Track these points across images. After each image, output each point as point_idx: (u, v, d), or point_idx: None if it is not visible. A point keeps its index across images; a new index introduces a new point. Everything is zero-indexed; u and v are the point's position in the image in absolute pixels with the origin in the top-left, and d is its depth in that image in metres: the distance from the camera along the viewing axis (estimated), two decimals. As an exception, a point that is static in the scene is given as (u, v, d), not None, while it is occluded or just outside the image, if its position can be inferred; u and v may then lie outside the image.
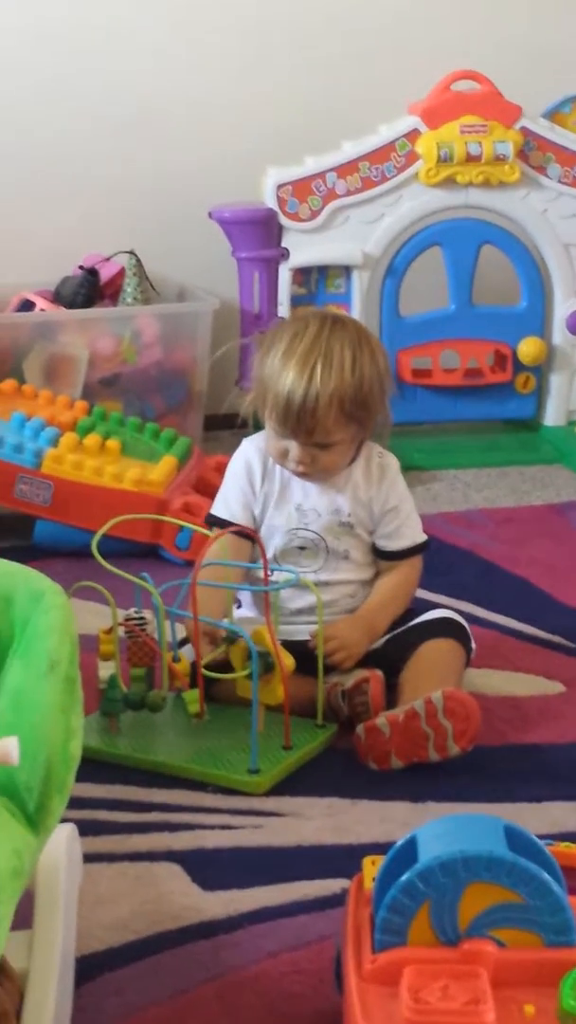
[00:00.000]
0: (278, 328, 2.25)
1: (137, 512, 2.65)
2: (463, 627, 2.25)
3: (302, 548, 2.25)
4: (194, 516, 2.81)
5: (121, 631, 2.15)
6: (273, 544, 2.25)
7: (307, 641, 2.16)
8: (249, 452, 2.29)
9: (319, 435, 2.16)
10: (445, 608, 2.32)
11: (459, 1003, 1.24)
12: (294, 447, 2.19)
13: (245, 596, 2.30)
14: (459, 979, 1.26)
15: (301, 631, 2.19)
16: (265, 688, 2.04)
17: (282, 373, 2.15)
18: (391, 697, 2.14)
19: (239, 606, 2.31)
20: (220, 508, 2.29)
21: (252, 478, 2.27)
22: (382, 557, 2.29)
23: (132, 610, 2.18)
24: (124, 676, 2.16)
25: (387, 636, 2.25)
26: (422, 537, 2.31)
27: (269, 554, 2.22)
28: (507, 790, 2.00)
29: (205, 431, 3.53)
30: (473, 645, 2.26)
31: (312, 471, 2.21)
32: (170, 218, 3.69)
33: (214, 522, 2.28)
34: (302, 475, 2.22)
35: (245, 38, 3.70)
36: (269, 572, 2.12)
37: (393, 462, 2.29)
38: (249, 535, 2.22)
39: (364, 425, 2.21)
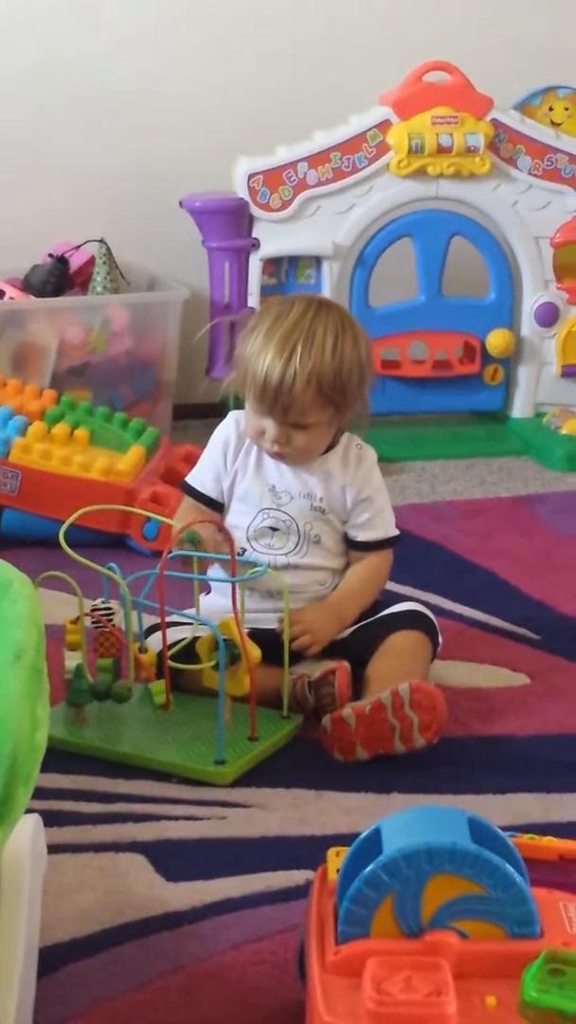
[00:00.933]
0: (263, 309, 2.27)
1: (105, 502, 2.64)
2: (430, 620, 2.26)
3: (274, 529, 2.26)
4: (162, 506, 2.81)
5: (88, 621, 2.15)
6: (245, 522, 2.26)
7: (275, 628, 2.16)
8: (229, 424, 2.31)
9: (295, 414, 2.17)
10: (413, 601, 2.33)
11: (421, 994, 1.24)
12: (270, 426, 2.20)
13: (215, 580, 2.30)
14: (421, 970, 1.27)
15: (269, 619, 2.20)
16: (231, 679, 2.04)
17: (263, 351, 2.16)
18: (357, 688, 2.14)
19: (207, 592, 2.31)
20: (194, 476, 2.33)
21: (227, 449, 2.29)
22: (353, 547, 2.29)
23: (99, 600, 2.17)
24: (91, 667, 2.16)
25: (354, 627, 2.25)
26: (394, 531, 2.31)
27: (241, 532, 2.23)
28: (471, 781, 2.00)
29: (174, 421, 3.53)
30: (440, 639, 2.26)
31: (287, 452, 2.21)
32: (141, 207, 3.68)
33: (186, 488, 2.33)
34: (277, 456, 2.23)
35: (217, 27, 3.69)
36: (237, 560, 2.12)
37: (371, 454, 2.30)
38: (216, 509, 2.28)
39: (341, 411, 2.21)
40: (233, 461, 2.29)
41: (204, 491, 2.30)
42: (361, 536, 2.28)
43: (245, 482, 2.28)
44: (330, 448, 2.27)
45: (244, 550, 2.24)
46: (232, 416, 2.31)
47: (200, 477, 2.32)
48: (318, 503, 2.25)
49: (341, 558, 2.30)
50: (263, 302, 2.17)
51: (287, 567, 2.23)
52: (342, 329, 2.20)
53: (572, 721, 2.20)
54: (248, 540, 2.26)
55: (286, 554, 2.25)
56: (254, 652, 2.05)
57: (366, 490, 2.27)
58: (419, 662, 2.19)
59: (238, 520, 2.27)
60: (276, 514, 2.26)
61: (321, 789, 1.98)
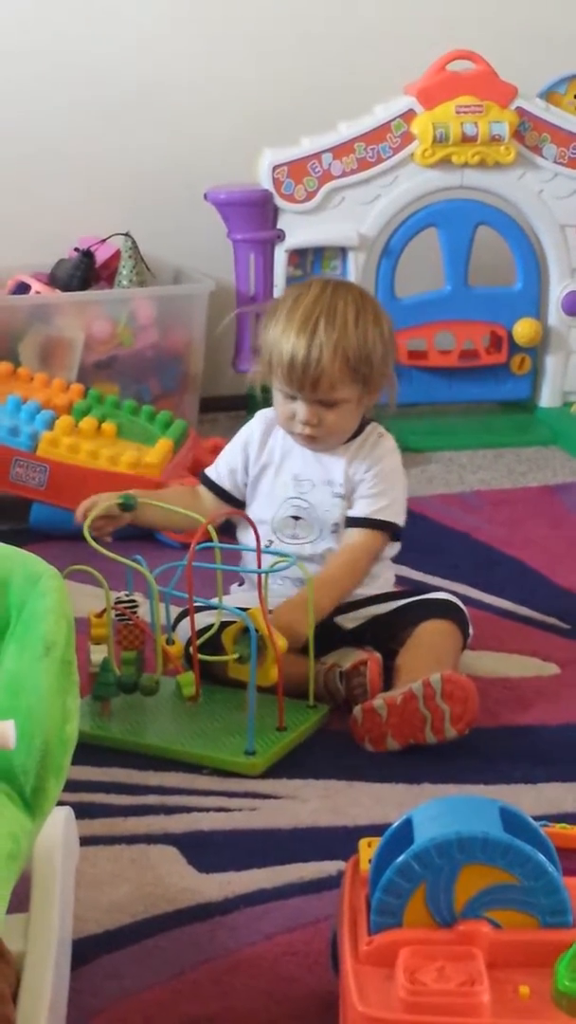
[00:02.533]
0: (280, 297, 2.29)
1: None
2: (461, 610, 2.26)
3: (296, 518, 2.27)
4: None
5: (112, 614, 2.15)
6: (270, 514, 2.27)
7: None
8: (255, 422, 2.34)
9: (324, 388, 2.18)
10: (444, 591, 2.32)
11: (455, 984, 1.24)
12: (301, 408, 2.21)
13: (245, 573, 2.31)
14: (455, 960, 1.27)
15: None
16: (258, 670, 2.04)
17: (286, 331, 2.19)
18: (387, 679, 2.14)
19: (241, 584, 2.32)
20: (211, 467, 2.37)
21: (249, 446, 2.32)
22: (347, 524, 2.28)
23: (123, 593, 2.18)
24: (116, 659, 2.16)
25: (389, 610, 2.25)
26: (392, 517, 2.27)
27: (266, 527, 2.24)
28: (502, 771, 2.00)
29: (201, 413, 3.53)
30: (471, 630, 2.26)
31: (318, 433, 2.22)
32: (166, 200, 3.68)
33: (203, 479, 2.37)
34: (308, 439, 2.24)
35: (240, 19, 3.69)
36: (265, 552, 2.12)
37: (390, 442, 2.30)
38: (232, 503, 2.32)
39: (369, 387, 2.23)
40: (258, 457, 2.30)
41: (219, 481, 2.34)
42: (354, 511, 2.27)
43: (270, 474, 2.29)
44: (355, 436, 2.28)
45: (271, 542, 2.25)
46: (259, 415, 2.33)
47: (216, 469, 2.35)
48: (338, 489, 2.26)
49: None
50: (268, 304, 2.21)
51: (312, 557, 2.23)
52: (362, 305, 2.22)
53: (603, 710, 2.20)
54: (273, 532, 2.27)
55: (311, 542, 2.25)
56: (281, 642, 2.05)
57: (373, 467, 2.26)
58: (449, 653, 2.19)
59: (263, 513, 2.27)
60: (298, 502, 2.26)
61: (352, 780, 1.99)
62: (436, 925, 1.31)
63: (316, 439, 2.24)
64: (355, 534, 2.26)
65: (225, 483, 2.34)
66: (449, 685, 2.02)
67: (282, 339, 2.19)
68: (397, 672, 2.15)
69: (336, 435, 2.25)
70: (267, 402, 2.31)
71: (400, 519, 2.29)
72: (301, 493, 2.27)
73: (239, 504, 2.33)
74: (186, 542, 2.67)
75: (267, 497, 2.29)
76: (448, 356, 3.57)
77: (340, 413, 2.22)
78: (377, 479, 2.26)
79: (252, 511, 2.28)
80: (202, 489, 2.37)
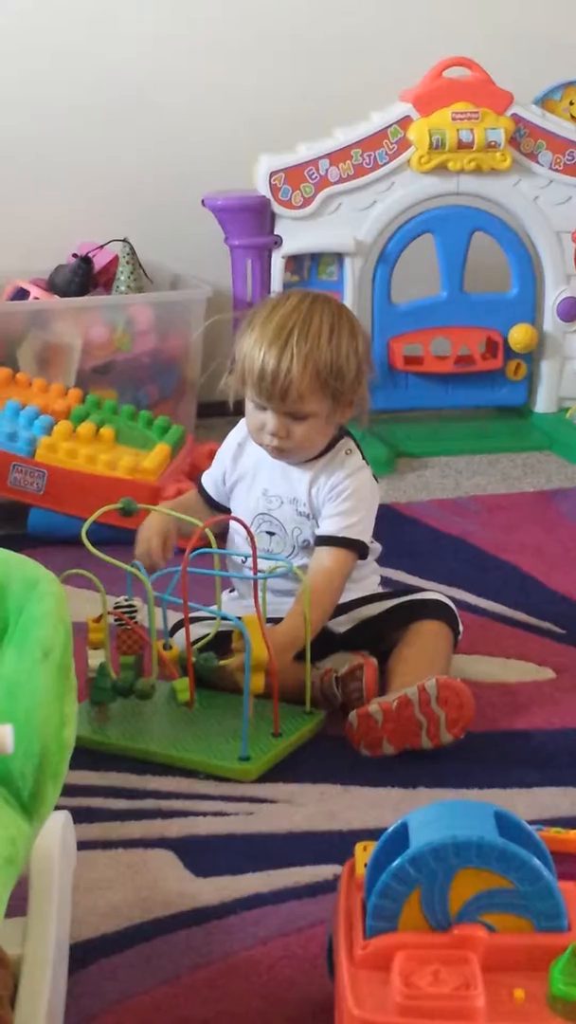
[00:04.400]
0: (257, 306, 2.28)
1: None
2: (451, 609, 2.27)
3: (271, 533, 2.27)
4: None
5: (111, 619, 2.16)
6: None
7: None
8: (235, 431, 2.35)
9: (292, 400, 2.17)
10: (433, 591, 2.33)
11: (450, 988, 1.25)
12: (270, 419, 2.20)
13: (235, 580, 2.32)
14: (450, 964, 1.27)
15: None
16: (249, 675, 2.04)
17: (259, 340, 2.18)
18: (381, 682, 2.15)
19: (231, 590, 2.33)
20: (206, 475, 2.39)
21: (229, 452, 2.33)
22: (317, 542, 2.25)
23: (122, 598, 2.18)
24: (114, 664, 2.17)
25: (382, 610, 2.27)
26: (357, 536, 2.22)
27: (242, 538, 2.23)
28: (498, 776, 2.01)
29: (198, 418, 3.53)
30: (460, 627, 2.27)
31: (286, 446, 2.21)
32: (163, 206, 3.69)
33: (198, 485, 2.39)
34: (277, 451, 2.23)
35: (238, 25, 3.70)
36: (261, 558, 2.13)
37: (357, 458, 2.26)
38: (221, 510, 2.33)
39: (340, 402, 2.20)
40: (233, 468, 2.32)
41: (208, 491, 2.36)
42: (322, 529, 2.24)
43: (244, 487, 2.30)
44: (325, 452, 2.26)
45: (244, 559, 2.25)
46: (240, 423, 2.33)
47: (210, 474, 2.37)
48: (303, 508, 2.25)
49: None
50: (246, 312, 2.20)
51: (287, 575, 2.24)
52: (338, 319, 2.20)
53: (598, 715, 2.21)
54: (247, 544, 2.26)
55: (286, 557, 2.25)
56: (262, 654, 2.03)
57: (339, 485, 2.24)
58: (441, 654, 2.20)
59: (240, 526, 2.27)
60: (269, 519, 2.27)
61: (348, 784, 1.99)
62: (431, 929, 1.32)
63: (284, 451, 2.23)
64: (325, 553, 2.22)
65: (211, 490, 2.36)
66: (445, 690, 2.03)
67: (255, 349, 2.17)
68: (390, 675, 2.16)
69: (304, 449, 2.23)
70: (239, 412, 2.30)
71: (366, 537, 2.24)
72: (270, 509, 2.27)
73: (228, 511, 2.33)
74: (182, 547, 2.69)
75: (242, 511, 2.29)
76: (444, 362, 3.58)
77: (309, 427, 2.20)
78: (344, 497, 2.23)
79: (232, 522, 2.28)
80: (192, 492, 2.41)
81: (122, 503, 2.20)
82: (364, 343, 2.23)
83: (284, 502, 2.26)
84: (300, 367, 2.15)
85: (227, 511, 2.33)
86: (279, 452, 2.23)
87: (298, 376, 2.15)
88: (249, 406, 2.24)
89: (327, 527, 2.23)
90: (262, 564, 2.15)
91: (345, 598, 2.26)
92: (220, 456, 2.35)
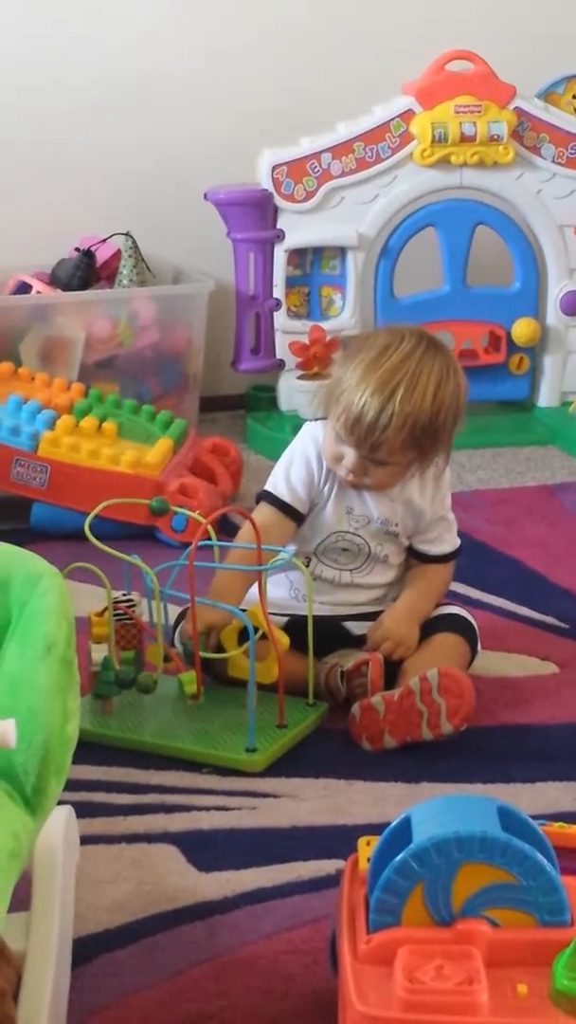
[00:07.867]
0: (372, 335, 2.22)
1: (133, 494, 2.66)
2: (472, 625, 2.26)
3: (345, 549, 2.25)
4: (189, 498, 2.82)
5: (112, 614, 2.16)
6: (316, 539, 2.25)
7: (362, 636, 2.22)
8: (310, 444, 2.24)
9: (382, 453, 2.14)
10: (456, 605, 2.33)
11: (453, 983, 1.25)
12: (350, 456, 2.16)
13: (286, 580, 2.27)
14: (453, 959, 1.27)
15: (330, 609, 2.23)
16: (259, 666, 2.05)
17: (362, 383, 2.11)
18: (391, 684, 2.14)
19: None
20: (282, 487, 2.23)
21: (312, 466, 2.23)
22: (420, 559, 2.29)
23: (121, 592, 2.18)
24: (116, 658, 2.17)
25: None
26: (458, 542, 2.32)
27: (311, 547, 2.24)
28: (501, 770, 2.01)
29: (201, 413, 3.53)
30: (479, 646, 2.27)
31: (362, 484, 2.19)
32: (166, 199, 3.69)
33: (268, 497, 2.24)
34: (351, 484, 2.21)
35: (240, 19, 3.70)
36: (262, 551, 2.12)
37: (447, 474, 2.27)
38: (296, 519, 2.22)
39: (425, 454, 2.17)
40: (323, 481, 2.23)
41: (288, 500, 2.22)
42: (432, 551, 2.28)
43: (330, 502, 2.24)
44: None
45: (309, 560, 2.24)
46: (311, 434, 2.25)
47: (291, 487, 2.23)
48: (394, 528, 2.24)
49: (400, 569, 2.30)
50: (356, 337, 2.10)
51: (350, 585, 2.24)
52: (446, 375, 2.13)
53: (601, 709, 2.21)
54: (316, 554, 2.25)
55: (351, 571, 2.25)
56: (283, 640, 2.06)
57: (441, 510, 2.27)
58: (456, 663, 2.16)
59: (309, 534, 2.24)
60: (351, 537, 2.24)
61: (351, 779, 1.99)
62: (434, 924, 1.32)
63: (358, 487, 2.21)
64: (439, 569, 2.29)
65: (295, 501, 2.22)
66: (445, 679, 2.03)
67: (356, 391, 2.11)
68: (402, 675, 2.15)
69: (381, 488, 2.21)
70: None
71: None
72: (355, 528, 2.24)
73: (300, 520, 2.24)
74: (185, 541, 2.69)
75: (319, 523, 2.24)
76: (447, 356, 3.57)
77: (388, 472, 2.18)
78: (446, 517, 2.28)
79: (300, 532, 2.24)
80: (267, 509, 2.22)
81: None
82: (464, 397, 2.17)
83: (372, 521, 2.24)
84: (399, 424, 2.10)
85: (302, 517, 2.23)
86: (352, 486, 2.21)
87: (394, 434, 2.10)
88: (331, 434, 2.18)
89: (440, 547, 2.29)
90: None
91: (371, 609, 2.26)
92: (309, 468, 2.22)
